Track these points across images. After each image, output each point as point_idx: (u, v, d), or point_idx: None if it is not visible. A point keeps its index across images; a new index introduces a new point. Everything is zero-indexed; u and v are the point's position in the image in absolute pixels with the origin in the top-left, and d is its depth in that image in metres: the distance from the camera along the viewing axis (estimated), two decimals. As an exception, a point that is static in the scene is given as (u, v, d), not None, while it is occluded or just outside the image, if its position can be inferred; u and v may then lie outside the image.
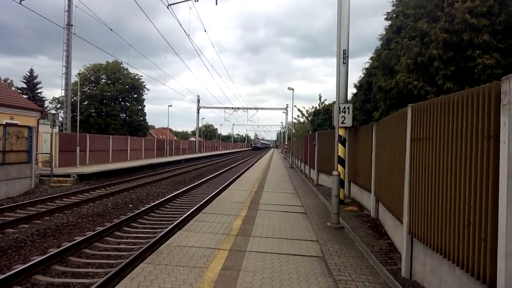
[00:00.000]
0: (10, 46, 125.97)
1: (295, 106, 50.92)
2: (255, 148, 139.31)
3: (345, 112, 12.68)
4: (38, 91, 65.44)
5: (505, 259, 3.41)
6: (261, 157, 61.22)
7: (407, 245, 6.22)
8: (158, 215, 13.07)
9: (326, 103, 37.72)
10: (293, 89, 43.51)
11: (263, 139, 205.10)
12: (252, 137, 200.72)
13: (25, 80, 64.07)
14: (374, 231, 9.28)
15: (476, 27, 9.07)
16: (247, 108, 76.56)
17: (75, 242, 8.87)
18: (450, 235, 4.64)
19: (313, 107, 40.71)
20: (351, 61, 13.02)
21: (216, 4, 24.40)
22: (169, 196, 16.40)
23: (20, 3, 22.48)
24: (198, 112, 76.10)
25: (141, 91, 69.70)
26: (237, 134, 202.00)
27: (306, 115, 49.13)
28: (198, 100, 74.75)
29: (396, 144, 7.57)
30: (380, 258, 7.03)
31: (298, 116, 55.86)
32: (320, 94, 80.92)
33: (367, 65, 17.46)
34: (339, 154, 11.21)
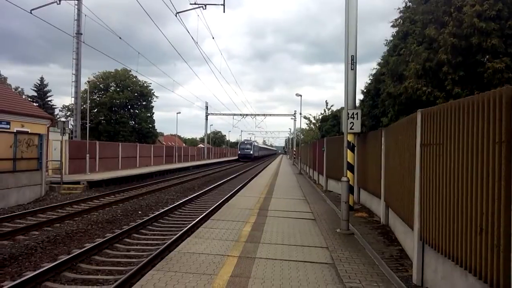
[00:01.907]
0: (22, 55, 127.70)
1: (300, 113, 51.19)
2: (243, 157, 78.03)
3: (353, 118, 12.62)
4: (48, 99, 66.26)
5: (519, 265, 3.35)
6: (269, 164, 61.09)
7: (418, 252, 6.15)
8: (167, 222, 13.09)
9: (334, 109, 37.69)
10: (301, 95, 43.60)
11: (266, 144, 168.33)
12: (259, 142, 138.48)
13: (35, 88, 64.88)
14: (385, 237, 9.20)
15: (485, 31, 9.01)
16: (255, 115, 76.63)
17: (85, 249, 8.90)
18: (462, 241, 4.58)
19: (321, 113, 40.60)
20: (359, 67, 13.03)
21: (224, 12, 24.59)
22: (178, 203, 16.43)
23: (31, 12, 22.84)
24: (207, 119, 76.43)
25: (150, 99, 70.21)
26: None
27: (314, 121, 49.11)
28: (207, 107, 75.06)
29: (406, 149, 7.52)
30: (391, 264, 6.97)
31: (306, 123, 55.92)
32: (326, 101, 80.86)
33: (374, 71, 17.45)
34: (348, 160, 11.14)
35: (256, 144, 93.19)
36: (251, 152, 79.59)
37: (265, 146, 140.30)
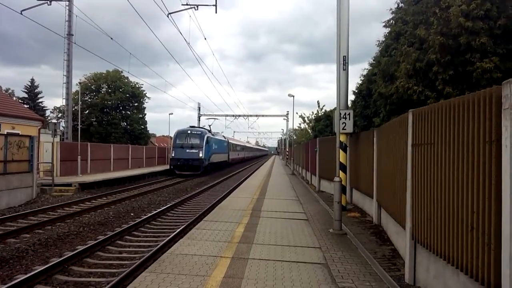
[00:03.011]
0: (13, 56, 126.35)
1: (296, 112, 51.75)
2: (181, 166, 35.19)
3: (345, 118, 12.67)
4: (39, 100, 65.69)
5: (510, 264, 3.38)
6: (261, 165, 61.13)
7: (410, 251, 6.19)
8: (160, 224, 13.04)
9: (327, 109, 37.73)
10: (293, 96, 43.72)
11: (259, 145, 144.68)
12: (251, 143, 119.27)
13: (26, 90, 64.34)
14: (377, 237, 9.24)
15: (473, 31, 9.06)
16: (248, 116, 76.30)
17: (77, 251, 8.84)
18: (453, 240, 4.62)
19: (313, 112, 40.57)
20: (353, 68, 13.15)
21: (216, 12, 24.53)
22: (170, 204, 16.37)
23: (21, 13, 22.66)
24: (199, 120, 75.96)
25: (142, 100, 69.91)
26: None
27: (307, 121, 49.19)
28: (199, 108, 74.76)
29: (398, 149, 7.56)
30: (383, 264, 7.00)
31: (300, 123, 56.08)
32: (318, 101, 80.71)
33: (365, 72, 17.53)
34: (340, 160, 11.18)
35: (216, 137, 45.38)
36: (200, 156, 36.21)
37: (245, 144, 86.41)
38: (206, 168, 37.16)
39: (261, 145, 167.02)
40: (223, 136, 54.01)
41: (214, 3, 24.02)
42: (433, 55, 9.77)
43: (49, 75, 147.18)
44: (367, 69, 17.28)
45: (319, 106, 40.04)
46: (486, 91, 4.06)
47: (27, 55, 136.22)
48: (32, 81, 65.19)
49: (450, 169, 4.76)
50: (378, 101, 13.71)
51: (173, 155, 35.99)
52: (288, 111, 66.88)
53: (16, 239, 10.50)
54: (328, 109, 37.07)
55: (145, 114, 71.16)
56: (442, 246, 4.93)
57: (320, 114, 37.95)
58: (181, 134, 37.57)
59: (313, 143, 24.54)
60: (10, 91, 65.52)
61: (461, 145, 4.49)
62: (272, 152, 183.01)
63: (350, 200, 14.51)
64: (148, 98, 72.46)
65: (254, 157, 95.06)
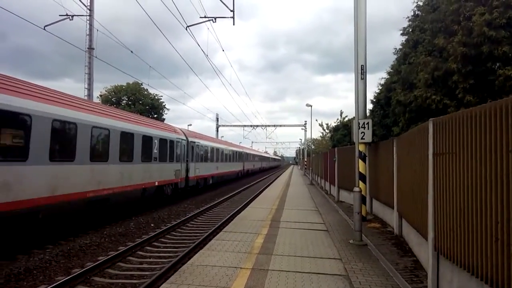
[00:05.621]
0: (39, 70, 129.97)
1: (316, 120, 51.24)
2: None
3: (364, 127, 12.60)
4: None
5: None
6: (280, 175, 60.97)
7: (433, 263, 6.08)
8: (180, 234, 13.11)
9: (347, 118, 37.46)
10: (311, 106, 43.59)
11: (275, 155, 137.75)
12: (270, 153, 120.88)
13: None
14: (398, 248, 9.11)
15: (495, 39, 8.98)
16: (266, 126, 76.48)
17: (98, 262, 8.95)
18: (477, 251, 4.53)
19: (336, 120, 40.05)
20: (373, 76, 13.11)
21: (234, 24, 24.75)
22: (190, 215, 16.45)
23: (44, 29, 23.25)
24: (217, 131, 76.51)
25: (161, 111, 70.81)
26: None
27: (327, 130, 48.92)
28: (217, 119, 75.28)
29: (418, 158, 7.48)
30: (405, 276, 6.89)
31: (319, 134, 55.72)
32: (341, 110, 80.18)
33: (383, 81, 17.44)
34: (359, 170, 11.09)
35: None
36: None
37: (243, 150, 53.53)
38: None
39: (279, 155, 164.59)
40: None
41: (232, 16, 24.24)
42: (453, 64, 9.69)
43: (72, 88, 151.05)
44: (384, 78, 17.21)
45: (341, 116, 39.78)
46: (507, 99, 4.01)
47: (51, 69, 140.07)
48: (55, 94, 66.67)
49: (472, 179, 4.69)
50: (396, 109, 13.61)
51: None
52: (306, 121, 66.81)
53: (40, 250, 10.69)
54: (347, 119, 36.84)
55: (164, 125, 71.93)
56: (466, 257, 4.84)
57: (337, 124, 37.74)
58: None
59: (331, 152, 24.41)
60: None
61: (483, 154, 4.42)
62: (290, 162, 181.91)
63: (370, 210, 14.35)
64: (168, 109, 73.37)
65: (262, 170, 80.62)
